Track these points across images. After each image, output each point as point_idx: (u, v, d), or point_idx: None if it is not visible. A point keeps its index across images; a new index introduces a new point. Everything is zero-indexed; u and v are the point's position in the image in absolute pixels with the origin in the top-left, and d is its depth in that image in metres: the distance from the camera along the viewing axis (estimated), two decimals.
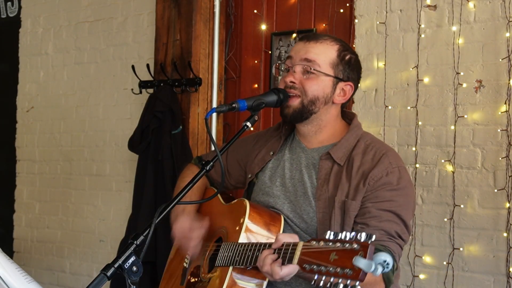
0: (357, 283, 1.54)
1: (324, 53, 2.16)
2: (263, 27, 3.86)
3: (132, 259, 1.64)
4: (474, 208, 3.05)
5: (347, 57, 2.19)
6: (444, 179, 3.12)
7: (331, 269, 1.58)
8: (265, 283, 2.01)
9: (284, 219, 2.15)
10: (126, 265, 1.63)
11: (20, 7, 4.93)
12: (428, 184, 3.17)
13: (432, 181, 3.16)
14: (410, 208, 2.11)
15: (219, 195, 2.39)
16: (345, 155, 2.13)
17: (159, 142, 3.75)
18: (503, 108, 2.98)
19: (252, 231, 2.07)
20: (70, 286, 4.57)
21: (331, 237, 1.62)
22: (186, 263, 2.38)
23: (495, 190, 2.99)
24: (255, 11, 3.89)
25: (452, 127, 3.11)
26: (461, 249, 3.07)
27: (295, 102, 2.16)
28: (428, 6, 3.21)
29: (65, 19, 4.67)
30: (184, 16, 3.88)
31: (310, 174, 2.17)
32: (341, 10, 3.57)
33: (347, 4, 3.55)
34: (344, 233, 1.59)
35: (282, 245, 1.81)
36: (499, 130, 2.99)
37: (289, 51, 3.74)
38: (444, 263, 3.10)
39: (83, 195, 4.52)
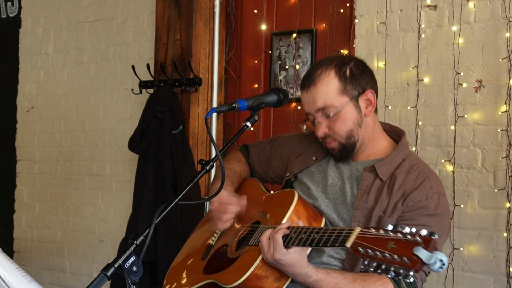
0: (411, 272, 1.56)
1: (327, 91, 2.14)
2: (263, 27, 3.86)
3: (132, 259, 1.64)
4: (474, 208, 3.05)
5: (347, 72, 2.16)
6: (444, 179, 3.12)
7: (387, 255, 1.60)
8: (286, 284, 2.04)
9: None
10: (126, 265, 1.63)
11: (20, 7, 4.93)
12: None
13: None
14: (444, 235, 2.13)
15: (262, 185, 2.44)
16: (389, 171, 2.15)
17: (159, 142, 3.75)
18: (503, 108, 2.98)
19: (295, 221, 2.07)
20: (70, 286, 4.57)
21: (391, 228, 1.64)
22: (213, 240, 2.37)
23: (495, 190, 2.99)
24: (255, 11, 3.89)
25: (452, 127, 3.11)
26: (461, 249, 3.07)
27: (335, 145, 2.19)
28: (428, 6, 3.21)
29: (65, 19, 4.67)
30: (184, 16, 3.88)
31: (352, 184, 2.18)
32: (341, 10, 3.57)
33: (347, 4, 3.55)
34: (405, 227, 1.62)
35: (335, 229, 1.85)
36: (499, 130, 2.99)
37: (289, 51, 3.75)
38: None
39: (83, 195, 4.52)
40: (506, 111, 2.97)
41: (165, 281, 2.42)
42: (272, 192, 2.38)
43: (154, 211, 1.77)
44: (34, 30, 4.85)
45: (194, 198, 3.46)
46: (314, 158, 2.32)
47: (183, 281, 2.29)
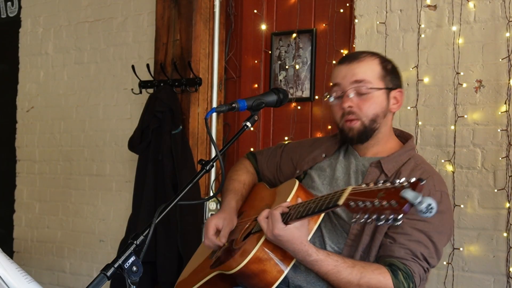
0: (400, 216, 1.57)
1: (370, 69, 2.20)
2: (263, 27, 3.86)
3: (132, 259, 1.64)
4: (474, 208, 3.05)
5: (389, 66, 2.26)
6: (444, 179, 3.11)
7: (376, 202, 1.61)
8: (288, 268, 2.06)
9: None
10: (126, 265, 1.63)
11: (20, 7, 4.93)
12: None
13: None
14: (444, 233, 2.14)
15: (266, 185, 2.49)
16: (394, 168, 2.18)
17: (159, 142, 3.75)
18: (503, 108, 2.98)
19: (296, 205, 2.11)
20: (70, 286, 4.57)
21: (381, 181, 1.67)
22: None
23: (495, 190, 2.99)
24: (255, 11, 3.89)
25: (452, 127, 3.11)
26: (461, 249, 3.07)
27: (356, 125, 2.20)
28: (428, 6, 3.20)
29: (65, 19, 4.67)
30: (184, 16, 3.88)
31: (357, 179, 2.22)
32: (341, 10, 3.57)
33: (347, 4, 3.55)
34: (397, 179, 1.64)
35: (329, 194, 1.89)
36: (499, 130, 2.99)
37: (289, 51, 3.75)
38: (444, 263, 3.10)
39: (83, 195, 4.52)
40: (506, 111, 2.97)
41: (176, 283, 2.46)
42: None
43: (154, 211, 1.78)
44: (34, 30, 4.85)
45: (194, 198, 3.47)
46: (323, 155, 2.36)
47: (193, 279, 2.35)
